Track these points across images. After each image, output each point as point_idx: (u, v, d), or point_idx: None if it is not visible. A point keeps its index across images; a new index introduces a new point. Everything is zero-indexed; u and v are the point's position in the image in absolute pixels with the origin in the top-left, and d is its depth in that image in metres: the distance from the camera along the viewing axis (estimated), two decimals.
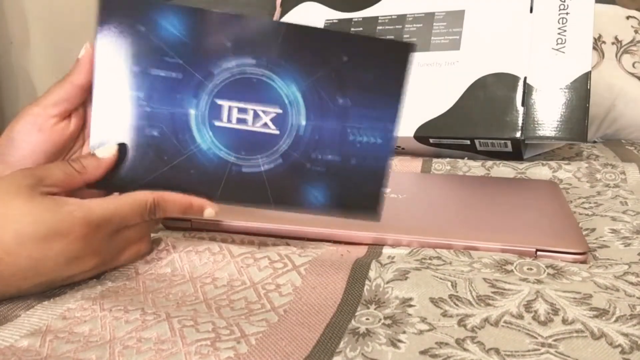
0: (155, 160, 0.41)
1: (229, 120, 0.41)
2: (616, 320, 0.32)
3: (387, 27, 0.87)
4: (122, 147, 0.41)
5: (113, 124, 0.41)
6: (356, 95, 0.40)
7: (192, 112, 0.41)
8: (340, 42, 0.40)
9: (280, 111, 0.40)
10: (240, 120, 0.41)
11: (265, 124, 0.40)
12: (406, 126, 0.79)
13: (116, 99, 0.41)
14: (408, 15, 0.86)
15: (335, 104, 0.40)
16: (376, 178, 0.41)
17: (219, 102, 0.40)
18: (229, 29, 0.40)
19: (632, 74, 0.97)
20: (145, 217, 0.39)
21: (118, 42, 0.40)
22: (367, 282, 0.37)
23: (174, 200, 0.41)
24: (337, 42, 0.40)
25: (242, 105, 0.40)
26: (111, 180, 0.41)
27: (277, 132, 0.41)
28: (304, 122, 0.40)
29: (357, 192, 0.41)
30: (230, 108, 0.40)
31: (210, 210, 0.41)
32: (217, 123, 0.41)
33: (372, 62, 0.40)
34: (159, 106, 0.41)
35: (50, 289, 0.38)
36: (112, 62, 0.40)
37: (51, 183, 0.37)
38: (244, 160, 0.41)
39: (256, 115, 0.40)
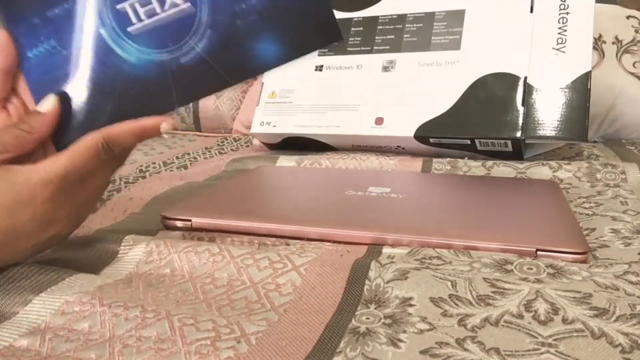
0: (101, 98, 0.39)
1: (139, 19, 0.38)
2: (616, 320, 0.32)
3: (387, 26, 0.87)
4: (66, 98, 0.39)
5: (48, 85, 0.39)
6: None
7: (102, 31, 0.38)
8: None
9: None
10: (149, 14, 0.38)
11: (174, 4, 0.37)
12: (406, 126, 0.79)
13: (38, 61, 0.39)
14: (408, 15, 0.86)
15: None
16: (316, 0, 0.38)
17: (119, 7, 0.38)
18: None
19: (633, 74, 0.97)
20: (103, 157, 0.39)
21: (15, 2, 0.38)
22: (367, 281, 0.37)
23: (124, 129, 0.39)
24: None
25: None
26: (70, 134, 0.40)
27: (190, 7, 0.38)
28: None
29: (306, 23, 0.38)
30: (134, 7, 0.38)
31: (165, 125, 0.40)
32: (130, 29, 0.38)
33: None
34: (72, 44, 0.39)
35: (42, 252, 0.40)
36: (19, 26, 0.38)
37: (2, 149, 0.37)
38: (177, 52, 0.38)
39: (161, 1, 0.38)
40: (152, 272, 0.41)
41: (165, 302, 0.36)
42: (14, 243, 0.36)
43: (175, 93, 0.39)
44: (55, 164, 0.37)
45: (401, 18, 0.87)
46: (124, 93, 0.39)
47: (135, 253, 0.43)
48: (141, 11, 0.38)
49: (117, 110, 0.40)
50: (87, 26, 0.39)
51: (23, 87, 0.40)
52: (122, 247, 0.44)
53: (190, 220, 0.50)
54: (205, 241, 0.46)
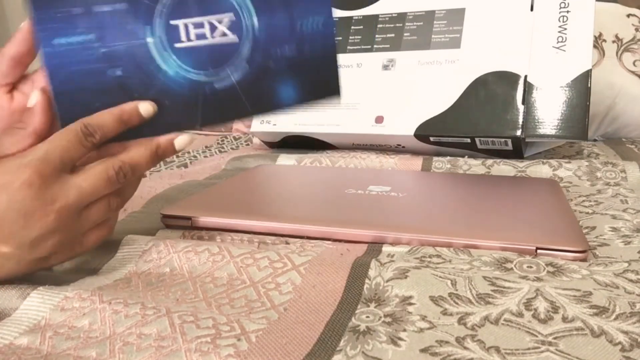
0: (127, 100, 0.40)
1: (189, 39, 0.40)
2: (616, 318, 0.32)
3: (387, 25, 0.87)
4: (84, 94, 0.39)
5: (72, 77, 0.39)
6: None
7: (150, 40, 0.40)
8: None
9: (233, 17, 0.40)
10: (199, 36, 0.40)
11: (224, 33, 0.40)
12: (407, 124, 0.79)
13: (67, 50, 0.39)
14: (408, 14, 0.86)
15: None
16: (330, 61, 0.44)
17: (173, 22, 0.40)
18: None
19: (633, 72, 0.97)
20: (85, 143, 0.37)
21: None
22: (367, 280, 0.37)
23: (103, 112, 0.39)
24: None
25: (196, 19, 0.40)
26: None
27: (236, 39, 0.41)
28: (257, 23, 0.41)
29: (319, 78, 0.44)
30: (186, 26, 0.40)
31: (145, 106, 0.40)
32: (177, 45, 0.40)
33: None
34: (114, 43, 0.39)
35: (25, 272, 0.36)
36: (51, 13, 0.38)
37: (4, 150, 0.37)
38: (214, 76, 0.41)
39: (212, 27, 0.40)
40: (151, 272, 0.41)
41: (165, 301, 0.36)
42: None
43: (202, 114, 0.41)
44: (34, 149, 0.36)
45: (401, 16, 0.87)
46: (153, 101, 0.41)
47: (134, 252, 0.43)
48: (192, 32, 0.40)
49: None
50: (133, 32, 0.39)
51: (38, 76, 0.41)
52: (121, 246, 0.44)
53: (190, 219, 0.50)
54: (205, 240, 0.46)
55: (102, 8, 0.38)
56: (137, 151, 0.39)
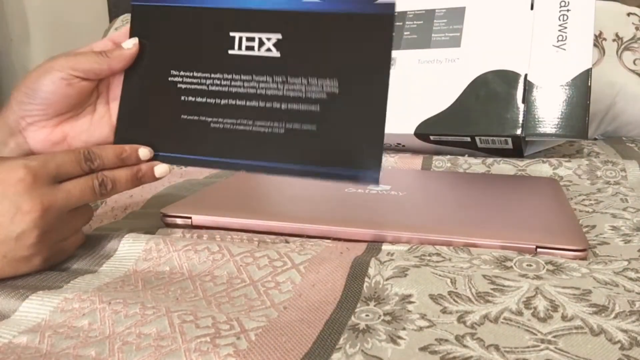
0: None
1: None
2: (615, 317, 0.32)
3: None
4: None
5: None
6: None
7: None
8: None
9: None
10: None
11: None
12: (407, 123, 0.79)
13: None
14: (408, 12, 0.86)
15: None
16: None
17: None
18: None
19: (633, 71, 0.97)
20: (83, 165, 0.40)
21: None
22: (366, 279, 0.37)
23: (106, 146, 0.43)
24: None
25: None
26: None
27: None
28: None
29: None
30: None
31: (144, 151, 0.44)
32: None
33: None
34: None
35: (10, 272, 0.38)
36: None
37: (82, 69, 0.43)
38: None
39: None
40: (151, 270, 0.41)
41: (165, 300, 0.36)
42: None
43: None
44: (36, 157, 0.39)
45: (401, 15, 0.87)
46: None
47: (134, 251, 0.43)
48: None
49: None
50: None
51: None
52: (121, 245, 0.44)
53: (190, 218, 0.50)
54: (205, 239, 0.46)
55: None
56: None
